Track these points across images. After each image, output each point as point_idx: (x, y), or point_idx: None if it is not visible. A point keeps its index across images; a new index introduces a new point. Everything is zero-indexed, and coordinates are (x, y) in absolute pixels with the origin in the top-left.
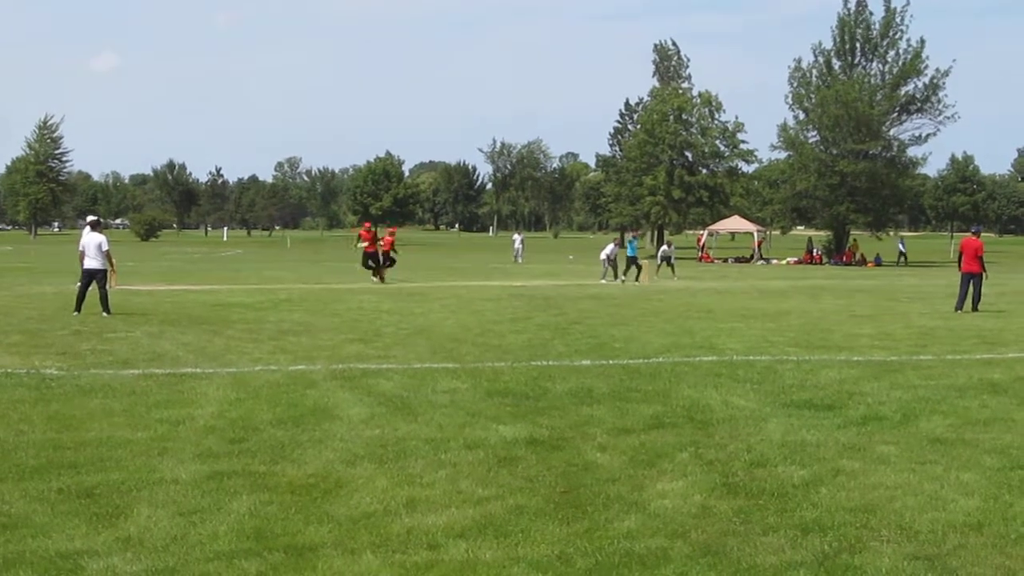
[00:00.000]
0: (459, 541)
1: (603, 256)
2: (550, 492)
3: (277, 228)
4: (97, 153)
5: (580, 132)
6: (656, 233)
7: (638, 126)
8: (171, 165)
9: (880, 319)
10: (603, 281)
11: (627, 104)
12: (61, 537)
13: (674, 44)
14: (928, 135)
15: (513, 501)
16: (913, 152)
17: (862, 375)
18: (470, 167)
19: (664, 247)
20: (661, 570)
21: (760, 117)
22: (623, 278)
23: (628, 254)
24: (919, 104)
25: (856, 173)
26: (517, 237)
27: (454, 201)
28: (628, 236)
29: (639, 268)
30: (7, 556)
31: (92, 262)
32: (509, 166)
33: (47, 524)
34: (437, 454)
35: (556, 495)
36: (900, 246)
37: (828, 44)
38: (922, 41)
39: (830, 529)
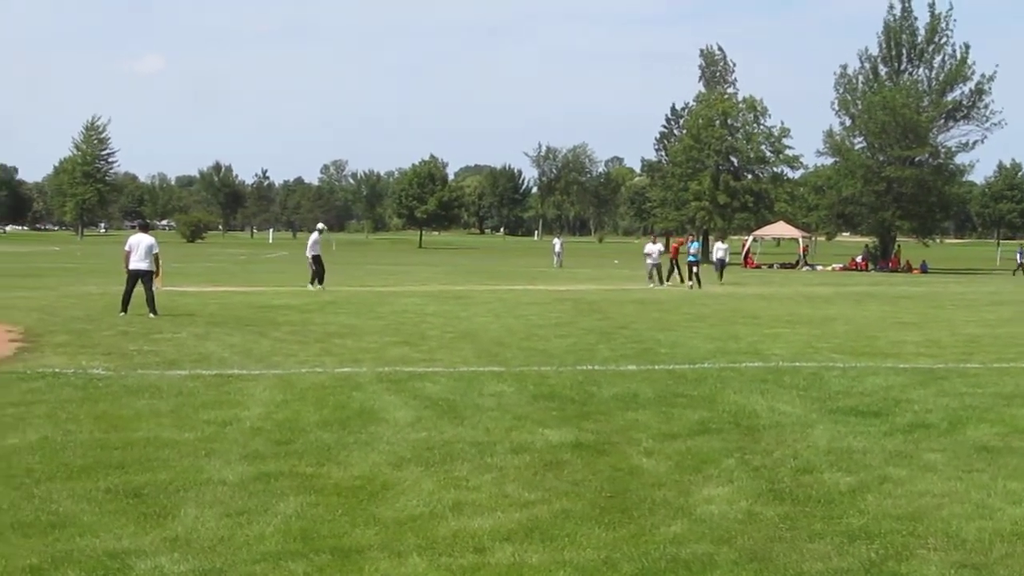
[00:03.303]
0: (505, 544)
1: (650, 263)
2: (596, 496)
3: (323, 230)
4: (143, 154)
5: (626, 137)
6: (703, 238)
7: (684, 131)
8: (217, 167)
9: (926, 326)
10: (651, 285)
11: (673, 109)
12: (109, 536)
13: (720, 49)
14: (975, 142)
15: (559, 505)
16: (960, 159)
17: (908, 382)
18: (515, 171)
19: (719, 251)
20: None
21: (803, 122)
22: (691, 283)
23: (689, 259)
24: (965, 110)
25: (902, 180)
26: (557, 241)
27: (499, 205)
28: (688, 240)
29: (674, 271)
30: (55, 555)
31: (140, 263)
32: (554, 170)
33: (95, 523)
34: (483, 457)
35: (602, 500)
36: (1019, 256)
37: (874, 50)
38: (966, 46)
39: (877, 536)
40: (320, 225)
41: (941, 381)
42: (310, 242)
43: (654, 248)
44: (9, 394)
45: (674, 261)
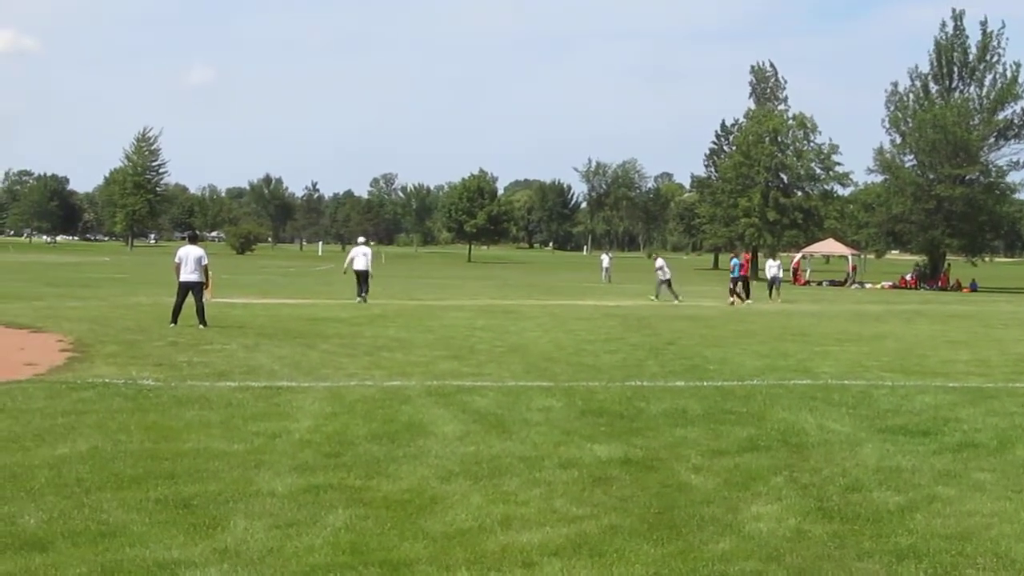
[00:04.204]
0: (554, 559)
1: (663, 278)
2: (644, 512)
3: (372, 243)
4: (194, 166)
5: (675, 153)
6: (753, 255)
7: (734, 147)
8: (267, 179)
9: (975, 345)
10: (676, 301)
11: (723, 125)
12: (159, 547)
13: (772, 66)
14: None
15: (607, 521)
16: (1011, 178)
17: (958, 401)
18: (565, 186)
19: (772, 269)
20: None
21: (853, 140)
22: (747, 299)
23: (732, 275)
24: (1016, 129)
25: (952, 198)
26: (605, 257)
27: (548, 219)
28: (733, 257)
29: (747, 288)
30: (105, 564)
31: (190, 275)
32: (604, 185)
33: (145, 533)
34: (532, 472)
35: (650, 516)
36: None
37: (925, 68)
38: (1017, 65)
39: (925, 556)
40: (361, 239)
41: (991, 400)
42: (370, 256)
43: (659, 263)
44: (60, 403)
45: (744, 277)
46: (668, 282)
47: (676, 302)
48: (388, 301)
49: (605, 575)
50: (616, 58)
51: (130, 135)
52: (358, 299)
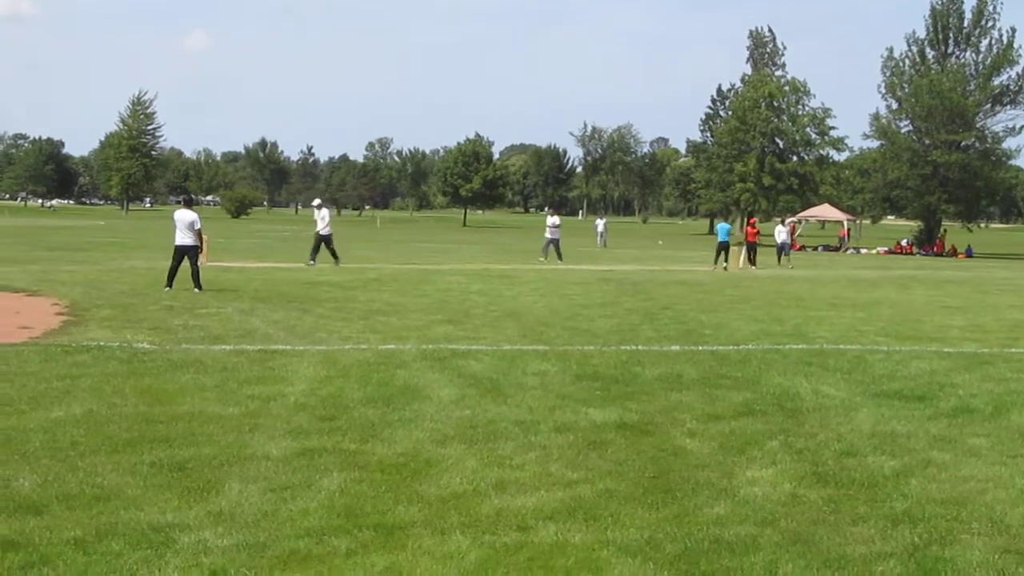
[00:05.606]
0: (548, 523)
1: (548, 238)
2: (639, 477)
3: (367, 208)
4: (190, 130)
5: (671, 117)
6: (742, 219)
7: (730, 112)
8: (263, 143)
9: (971, 311)
10: (541, 260)
11: (719, 90)
12: (153, 510)
13: (770, 31)
14: (1022, 127)
15: (602, 485)
16: (1007, 144)
17: (953, 367)
18: (560, 150)
19: (781, 234)
20: (750, 557)
21: (850, 105)
22: (725, 265)
23: (719, 239)
24: (1012, 95)
25: (948, 164)
26: (600, 221)
27: (544, 184)
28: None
29: (727, 253)
30: (100, 527)
31: (184, 239)
32: (600, 150)
33: (139, 497)
34: (527, 436)
35: (645, 480)
36: None
37: (921, 33)
38: (1013, 30)
39: (920, 521)
40: (317, 200)
41: (986, 366)
42: (328, 218)
43: (551, 220)
44: (55, 367)
45: (752, 244)
46: (556, 242)
47: (559, 264)
48: (383, 266)
49: (599, 539)
50: (614, 23)
51: (126, 99)
52: (310, 263)
